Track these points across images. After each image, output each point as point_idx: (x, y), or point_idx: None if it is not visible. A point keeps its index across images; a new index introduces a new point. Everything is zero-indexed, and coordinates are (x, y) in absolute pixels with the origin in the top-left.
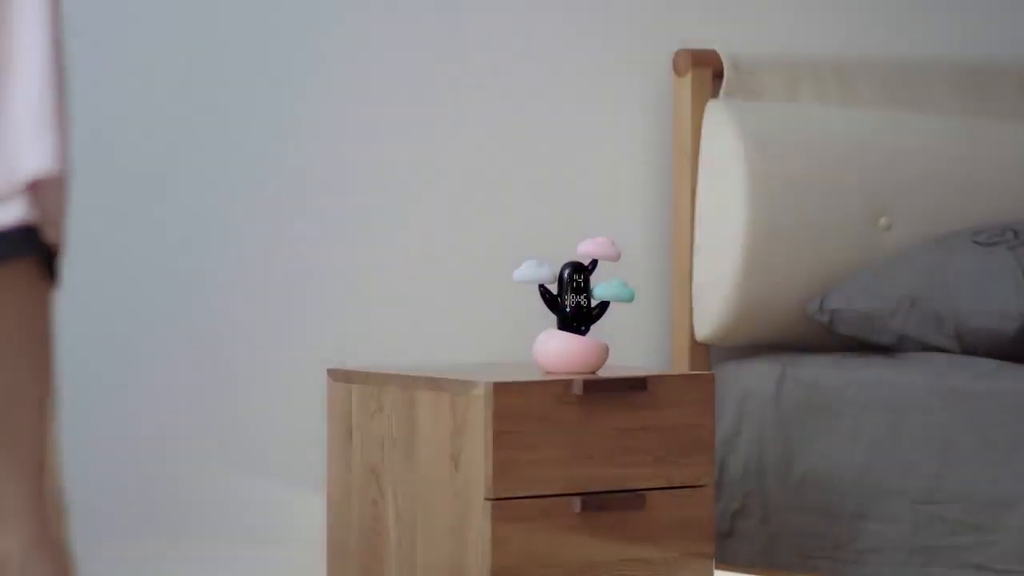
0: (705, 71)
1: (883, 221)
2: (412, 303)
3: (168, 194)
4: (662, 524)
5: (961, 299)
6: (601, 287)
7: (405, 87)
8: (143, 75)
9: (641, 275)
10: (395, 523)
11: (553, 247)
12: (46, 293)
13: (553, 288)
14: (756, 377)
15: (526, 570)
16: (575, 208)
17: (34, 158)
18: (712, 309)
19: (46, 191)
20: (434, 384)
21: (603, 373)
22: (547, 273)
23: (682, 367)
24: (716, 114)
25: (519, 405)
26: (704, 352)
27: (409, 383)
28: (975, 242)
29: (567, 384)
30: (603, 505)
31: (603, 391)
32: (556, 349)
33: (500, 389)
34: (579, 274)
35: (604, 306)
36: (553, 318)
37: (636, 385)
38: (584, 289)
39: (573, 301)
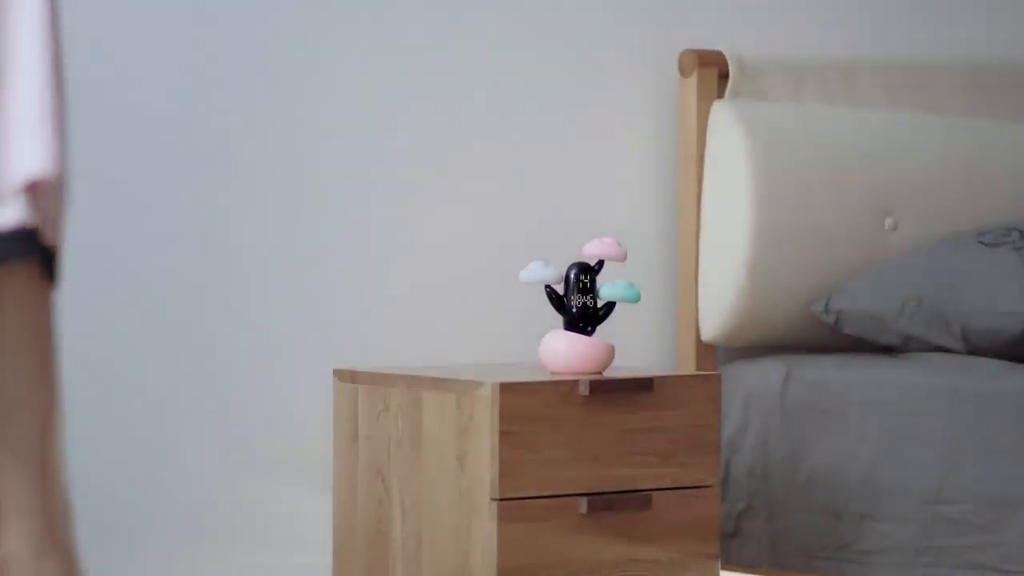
0: (711, 72)
1: (889, 221)
2: (418, 303)
3: (173, 195)
4: (668, 524)
5: (967, 300)
6: (607, 288)
7: (411, 88)
8: (148, 75)
9: (647, 276)
10: (401, 523)
11: (559, 248)
12: (46, 295)
13: (559, 289)
14: (762, 377)
15: (532, 570)
16: (581, 209)
17: (30, 160)
18: (718, 309)
19: (44, 193)
20: (440, 384)
21: (609, 373)
22: (553, 274)
23: (688, 367)
24: (721, 115)
25: (525, 405)
26: (710, 352)
27: (415, 383)
28: (981, 242)
29: (573, 384)
30: (609, 505)
31: (609, 391)
32: (562, 349)
33: (506, 389)
34: (585, 275)
35: (610, 307)
36: (559, 318)
37: (642, 385)
38: (590, 290)
39: (579, 301)
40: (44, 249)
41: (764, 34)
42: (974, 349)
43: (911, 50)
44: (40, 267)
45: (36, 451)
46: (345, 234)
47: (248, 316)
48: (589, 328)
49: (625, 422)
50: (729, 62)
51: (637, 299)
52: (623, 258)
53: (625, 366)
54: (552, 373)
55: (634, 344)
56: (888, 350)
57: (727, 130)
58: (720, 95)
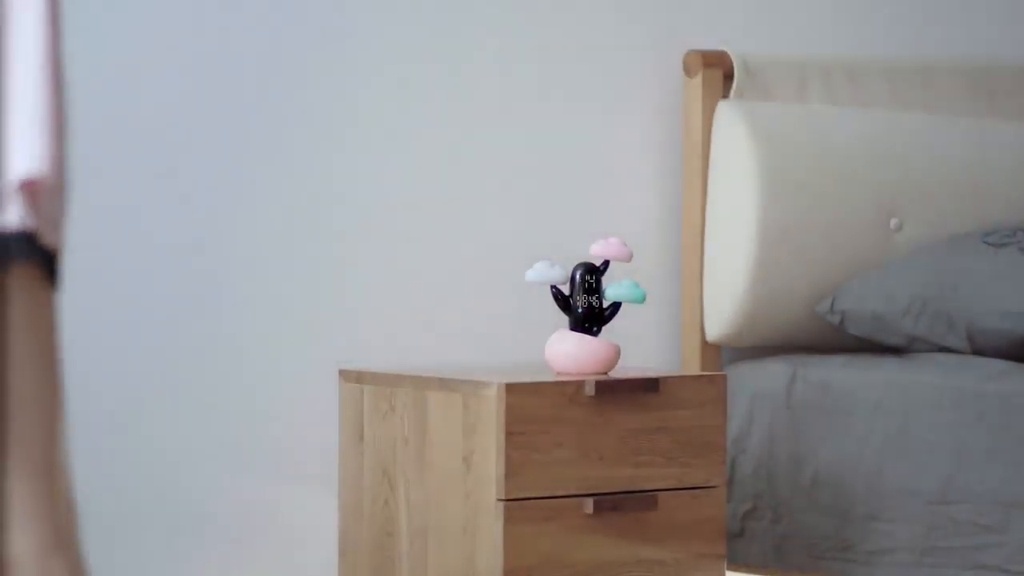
0: (715, 72)
1: (894, 222)
2: (424, 304)
3: (179, 196)
4: (674, 525)
5: (972, 300)
6: (613, 288)
7: (416, 89)
8: (155, 74)
9: (652, 276)
10: (407, 524)
11: (565, 248)
12: (48, 296)
13: (565, 289)
14: (767, 378)
15: (537, 571)
16: (587, 209)
17: (26, 161)
18: (723, 310)
19: (42, 195)
20: (446, 385)
21: (615, 374)
22: (559, 274)
23: (693, 368)
24: (726, 115)
25: (531, 406)
26: (715, 353)
27: (421, 384)
28: (986, 243)
29: (579, 385)
30: (615, 506)
31: (615, 392)
32: (568, 350)
33: (512, 390)
34: (591, 275)
35: (616, 307)
36: (565, 319)
37: (648, 386)
38: (596, 290)
39: (585, 302)
40: (45, 251)
41: (769, 34)
42: (979, 349)
43: (917, 50)
44: (41, 269)
45: (42, 452)
46: (350, 235)
47: (253, 317)
48: (595, 328)
49: (631, 422)
50: (734, 62)
51: (643, 299)
52: (629, 258)
53: (631, 366)
54: (558, 373)
55: (639, 344)
56: (893, 350)
57: (732, 130)
58: (725, 95)
